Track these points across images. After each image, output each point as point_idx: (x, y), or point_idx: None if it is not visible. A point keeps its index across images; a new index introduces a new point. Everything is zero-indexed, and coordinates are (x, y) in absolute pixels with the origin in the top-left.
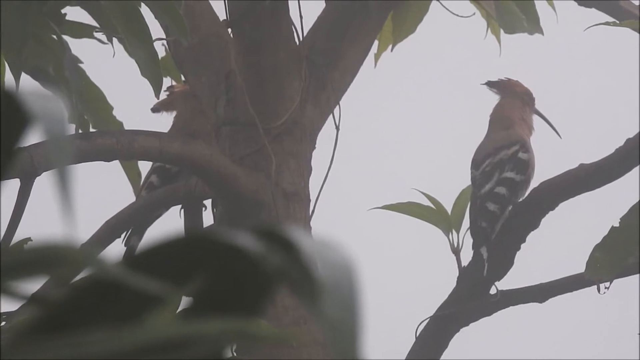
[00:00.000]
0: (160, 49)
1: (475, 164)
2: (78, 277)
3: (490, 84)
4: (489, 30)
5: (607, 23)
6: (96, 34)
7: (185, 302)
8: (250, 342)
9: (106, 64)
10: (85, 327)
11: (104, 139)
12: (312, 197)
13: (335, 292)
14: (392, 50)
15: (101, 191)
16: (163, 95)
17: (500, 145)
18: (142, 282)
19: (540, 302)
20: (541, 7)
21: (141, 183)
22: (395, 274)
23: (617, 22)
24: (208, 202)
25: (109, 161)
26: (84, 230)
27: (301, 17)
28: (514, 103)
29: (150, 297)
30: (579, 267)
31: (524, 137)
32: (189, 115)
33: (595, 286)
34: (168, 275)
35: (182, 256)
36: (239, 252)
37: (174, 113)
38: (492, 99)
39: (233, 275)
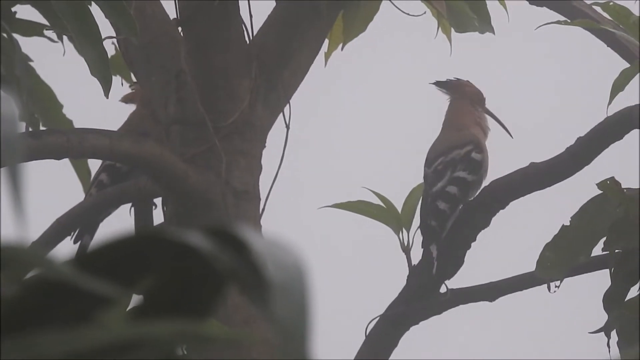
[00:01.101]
0: (110, 48)
1: (428, 162)
2: (27, 277)
3: (438, 84)
4: (440, 29)
5: (558, 22)
6: (46, 33)
7: (135, 300)
8: (202, 343)
9: (56, 62)
10: (35, 328)
11: (54, 137)
12: (262, 196)
13: (285, 292)
14: (342, 49)
15: (50, 190)
16: (129, 89)
17: (453, 145)
18: (91, 283)
19: (491, 300)
20: (492, 6)
21: (91, 181)
22: (345, 272)
23: (569, 21)
24: (158, 201)
25: (59, 159)
26: (34, 228)
27: (251, 16)
28: (463, 104)
29: (101, 297)
30: (530, 266)
31: (478, 137)
32: (144, 114)
33: (546, 285)
34: (118, 275)
35: (132, 255)
36: (190, 251)
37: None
38: (444, 98)
39: (184, 274)
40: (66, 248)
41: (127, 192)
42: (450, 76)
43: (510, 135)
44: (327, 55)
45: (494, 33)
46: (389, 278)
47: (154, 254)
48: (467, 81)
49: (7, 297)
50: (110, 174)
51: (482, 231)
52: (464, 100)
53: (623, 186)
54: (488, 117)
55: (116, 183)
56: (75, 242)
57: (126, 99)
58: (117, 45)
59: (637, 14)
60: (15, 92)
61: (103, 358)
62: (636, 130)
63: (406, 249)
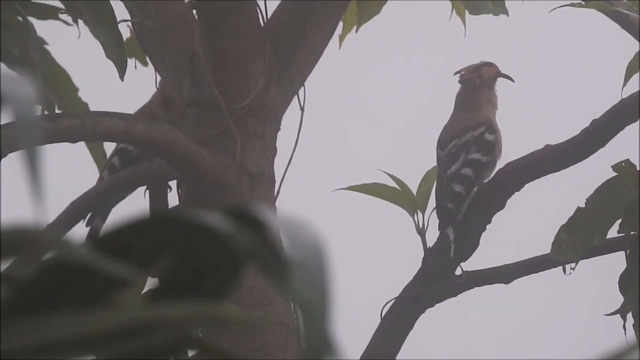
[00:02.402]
0: (125, 31)
1: (441, 144)
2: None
3: (462, 82)
4: (454, 11)
5: (572, 4)
6: (61, 16)
7: (151, 283)
8: (219, 325)
9: (71, 45)
10: (51, 310)
11: (69, 120)
12: (277, 179)
13: (305, 271)
14: (356, 31)
15: (66, 173)
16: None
17: (466, 127)
18: (108, 265)
19: (506, 283)
20: None
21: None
22: (360, 255)
23: (583, 3)
24: (173, 184)
25: (74, 142)
26: (50, 212)
27: None
28: (481, 89)
29: (117, 279)
30: (545, 248)
31: (490, 117)
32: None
33: (561, 267)
34: (134, 257)
35: (148, 237)
36: (208, 231)
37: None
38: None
39: (201, 255)
40: (80, 231)
41: (141, 175)
42: (468, 59)
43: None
44: (342, 38)
45: (508, 15)
46: (404, 261)
47: (170, 235)
48: (486, 68)
49: (23, 280)
50: (122, 158)
51: (497, 213)
52: (482, 87)
53: (638, 168)
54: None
55: (128, 166)
56: (87, 226)
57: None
58: (131, 28)
59: None
60: (31, 75)
61: (119, 340)
62: None
63: (421, 232)
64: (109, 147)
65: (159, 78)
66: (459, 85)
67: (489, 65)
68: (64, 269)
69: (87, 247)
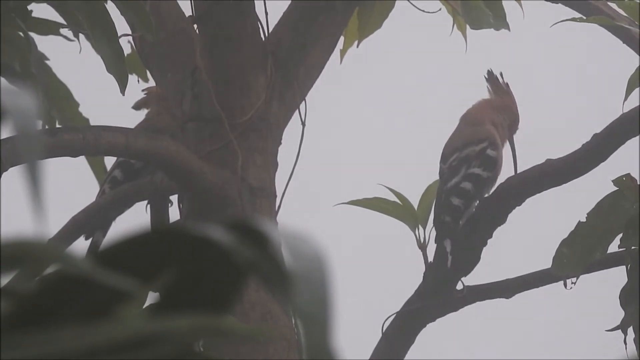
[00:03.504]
0: (126, 47)
1: (444, 157)
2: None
3: (490, 78)
4: (455, 26)
5: (574, 19)
6: (62, 31)
7: (152, 297)
8: (221, 338)
9: (72, 61)
10: (53, 324)
11: (70, 134)
12: (278, 193)
13: (307, 284)
14: (358, 46)
15: (66, 187)
16: (141, 94)
17: (468, 141)
18: (111, 278)
19: (507, 297)
20: (508, 3)
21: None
22: (361, 270)
23: (584, 17)
24: (174, 198)
25: (75, 157)
26: (50, 226)
27: (267, 13)
28: (495, 113)
29: (118, 293)
30: (546, 263)
31: (494, 134)
32: (158, 114)
33: (562, 282)
34: (136, 270)
35: (150, 250)
36: (210, 244)
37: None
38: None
39: (203, 268)
40: (80, 245)
41: (143, 189)
42: (481, 73)
43: (515, 171)
44: (343, 52)
45: (509, 29)
46: (405, 275)
47: (172, 249)
48: (514, 98)
49: (25, 293)
50: (124, 170)
51: (498, 228)
52: (498, 110)
53: (639, 182)
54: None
55: (130, 179)
56: (87, 239)
57: (139, 105)
58: (132, 44)
59: None
60: (32, 90)
61: (121, 353)
62: None
63: (422, 246)
64: (110, 162)
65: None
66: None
67: (514, 104)
68: (66, 282)
69: (90, 260)
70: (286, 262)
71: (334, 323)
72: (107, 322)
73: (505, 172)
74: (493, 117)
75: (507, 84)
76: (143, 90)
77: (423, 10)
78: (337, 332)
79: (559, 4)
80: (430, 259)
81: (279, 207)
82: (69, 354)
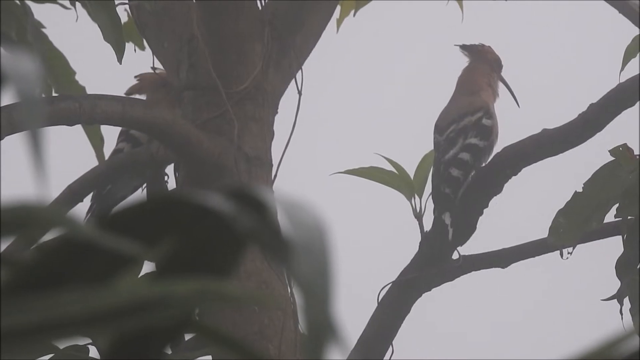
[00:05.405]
0: (123, 15)
1: (439, 129)
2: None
3: (463, 47)
4: None
5: None
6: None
7: (149, 266)
8: (222, 303)
9: (68, 29)
10: (55, 289)
11: (66, 103)
12: (275, 162)
13: (306, 252)
14: (354, 15)
15: (62, 156)
16: (134, 81)
17: (464, 112)
18: (116, 242)
19: (503, 267)
20: None
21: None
22: (357, 239)
23: None
24: (169, 171)
25: (71, 125)
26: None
27: None
28: (483, 68)
29: (119, 259)
30: (542, 233)
31: (488, 103)
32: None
33: (558, 251)
34: (134, 238)
35: (149, 218)
36: (209, 212)
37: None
38: (456, 63)
39: (202, 237)
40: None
41: (139, 158)
42: (465, 41)
43: (518, 105)
44: (339, 21)
45: None
46: (401, 245)
47: (170, 217)
48: (489, 47)
49: (27, 258)
50: (131, 143)
51: (495, 197)
52: (483, 65)
53: (635, 152)
54: (500, 84)
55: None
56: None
57: (132, 91)
58: (129, 12)
59: None
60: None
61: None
62: None
63: (418, 215)
64: (107, 131)
65: (156, 62)
66: (458, 68)
67: (492, 52)
68: (68, 248)
69: (92, 225)
70: (286, 231)
71: (334, 291)
72: (108, 287)
73: (502, 140)
74: (488, 78)
75: (477, 44)
76: (136, 77)
77: None
78: (337, 300)
79: None
80: (427, 228)
81: (275, 176)
82: (68, 320)
